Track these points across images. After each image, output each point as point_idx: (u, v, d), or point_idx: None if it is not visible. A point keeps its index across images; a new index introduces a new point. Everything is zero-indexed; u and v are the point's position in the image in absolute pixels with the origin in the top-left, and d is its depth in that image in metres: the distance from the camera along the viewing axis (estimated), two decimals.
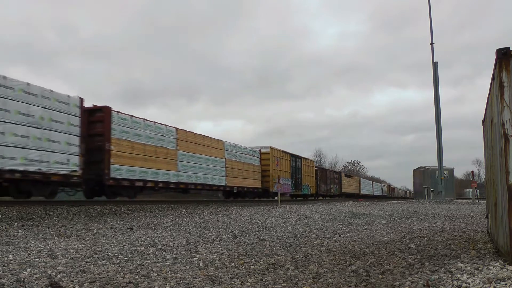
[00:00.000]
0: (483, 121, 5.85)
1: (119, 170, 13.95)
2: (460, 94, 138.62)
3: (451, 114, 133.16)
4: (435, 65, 27.56)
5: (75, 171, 12.18)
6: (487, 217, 6.36)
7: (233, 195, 22.26)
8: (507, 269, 3.24)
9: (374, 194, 62.25)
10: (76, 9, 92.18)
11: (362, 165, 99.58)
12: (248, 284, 3.37)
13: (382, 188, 74.37)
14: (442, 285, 3.08)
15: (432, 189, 34.06)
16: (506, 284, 2.89)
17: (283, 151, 27.91)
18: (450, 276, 3.31)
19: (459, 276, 3.25)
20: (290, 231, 7.16)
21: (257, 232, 6.96)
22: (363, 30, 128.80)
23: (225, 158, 20.86)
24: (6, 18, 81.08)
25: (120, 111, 14.42)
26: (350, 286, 3.31)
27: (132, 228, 7.38)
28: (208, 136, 19.71)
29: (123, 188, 14.72)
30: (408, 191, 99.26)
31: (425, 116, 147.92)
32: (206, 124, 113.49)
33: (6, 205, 10.03)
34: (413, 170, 46.79)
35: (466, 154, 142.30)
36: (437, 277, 3.33)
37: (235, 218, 9.65)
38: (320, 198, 35.33)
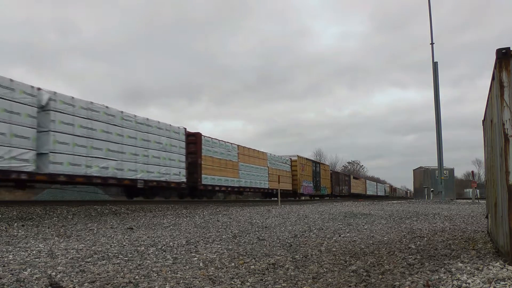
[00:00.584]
0: (483, 121, 5.85)
1: (206, 178, 19.37)
2: (460, 94, 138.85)
3: (451, 114, 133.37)
4: (435, 65, 27.56)
5: (183, 180, 17.54)
6: (487, 217, 6.36)
7: (272, 196, 27.83)
8: (507, 269, 3.24)
9: (378, 194, 65.92)
10: (78, 9, 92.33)
11: (362, 165, 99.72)
12: (248, 284, 3.37)
13: (385, 189, 77.96)
14: (442, 285, 3.08)
15: (432, 189, 34.09)
16: (506, 284, 2.89)
17: (306, 159, 33.77)
18: (450, 276, 3.31)
19: (459, 276, 3.25)
20: (290, 231, 7.16)
21: (257, 232, 6.96)
22: (364, 30, 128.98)
23: (268, 167, 26.47)
24: (7, 18, 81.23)
25: (206, 135, 19.74)
26: (350, 286, 3.31)
27: (132, 228, 7.38)
28: (256, 150, 25.51)
29: (208, 191, 20.20)
30: (408, 191, 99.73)
31: (425, 116, 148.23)
32: (207, 124, 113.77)
33: (6, 205, 10.04)
34: (413, 170, 46.82)
35: (466, 154, 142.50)
36: (437, 277, 3.33)
37: (235, 218, 9.65)
38: (333, 198, 38.71)
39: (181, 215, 10.52)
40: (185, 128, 18.06)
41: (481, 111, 5.63)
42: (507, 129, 3.27)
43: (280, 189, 25.08)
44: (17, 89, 10.67)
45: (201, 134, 19.42)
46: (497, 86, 3.40)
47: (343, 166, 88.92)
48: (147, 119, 15.63)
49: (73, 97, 12.43)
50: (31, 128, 10.95)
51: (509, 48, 3.37)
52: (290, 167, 29.93)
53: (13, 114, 10.51)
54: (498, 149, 3.61)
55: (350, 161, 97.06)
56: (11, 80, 10.61)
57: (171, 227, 7.77)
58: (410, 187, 68.19)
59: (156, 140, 15.95)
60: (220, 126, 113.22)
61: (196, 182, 18.65)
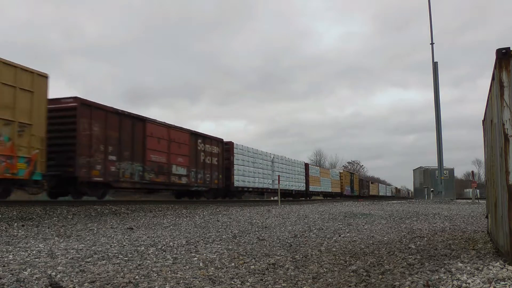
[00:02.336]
0: (483, 121, 5.85)
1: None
2: (461, 95, 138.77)
3: (452, 115, 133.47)
4: (435, 65, 27.59)
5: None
6: (487, 217, 6.36)
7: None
8: (507, 269, 3.24)
9: (387, 195, 78.81)
10: (81, 10, 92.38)
11: (362, 165, 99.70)
12: (248, 284, 3.37)
13: (391, 190, 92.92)
14: (442, 285, 3.08)
15: (432, 189, 34.07)
16: (506, 284, 2.89)
17: (347, 171, 53.73)
18: (450, 276, 3.31)
19: (459, 276, 3.25)
20: (290, 231, 7.16)
21: (257, 232, 6.96)
22: (366, 31, 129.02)
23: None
24: (11, 19, 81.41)
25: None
26: (350, 286, 3.31)
27: (132, 228, 7.38)
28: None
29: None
30: (409, 191, 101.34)
31: (426, 116, 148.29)
32: (208, 124, 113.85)
33: (6, 205, 10.03)
34: (413, 170, 46.84)
35: (466, 154, 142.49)
36: (437, 277, 3.33)
37: (235, 218, 9.65)
38: (359, 197, 47.96)
39: (181, 215, 10.52)
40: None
41: (482, 111, 5.63)
42: (507, 129, 3.27)
43: (331, 192, 40.16)
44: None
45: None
46: (497, 86, 3.40)
47: (343, 166, 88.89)
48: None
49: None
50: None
51: (509, 48, 3.37)
52: (339, 177, 44.31)
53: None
54: (498, 149, 3.61)
55: (350, 161, 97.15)
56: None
57: (171, 227, 7.77)
58: (410, 187, 72.62)
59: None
60: (222, 126, 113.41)
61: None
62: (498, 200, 3.97)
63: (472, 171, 27.96)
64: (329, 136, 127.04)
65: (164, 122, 17.33)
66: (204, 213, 11.27)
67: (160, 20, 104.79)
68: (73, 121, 12.85)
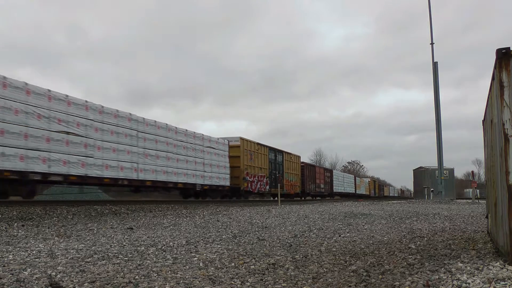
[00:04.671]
0: (483, 121, 5.85)
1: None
2: (462, 95, 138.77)
3: (453, 115, 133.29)
4: (435, 65, 27.61)
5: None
6: (487, 217, 6.36)
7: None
8: (507, 269, 3.24)
9: (394, 195, 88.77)
10: (85, 12, 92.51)
11: (362, 165, 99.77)
12: (248, 284, 3.37)
13: (397, 191, 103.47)
14: (442, 285, 3.07)
15: (432, 189, 34.07)
16: (506, 284, 2.89)
17: (371, 179, 70.00)
18: (450, 276, 3.31)
19: (459, 276, 3.25)
20: (290, 231, 7.16)
21: (257, 232, 6.96)
22: (369, 32, 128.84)
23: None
24: (15, 20, 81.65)
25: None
26: (350, 286, 3.31)
27: (132, 228, 7.38)
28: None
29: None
30: (410, 192, 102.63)
31: (427, 117, 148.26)
32: (210, 124, 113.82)
33: (6, 205, 10.03)
34: (413, 170, 46.84)
35: (466, 154, 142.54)
36: (437, 277, 3.33)
37: (235, 218, 9.65)
38: (377, 198, 56.62)
39: (181, 215, 10.51)
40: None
41: (482, 111, 5.62)
42: (507, 129, 3.27)
43: (365, 194, 52.67)
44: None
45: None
46: (497, 86, 3.40)
47: (343, 166, 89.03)
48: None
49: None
50: None
51: (509, 48, 3.37)
52: (369, 184, 60.04)
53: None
54: (498, 149, 3.61)
55: (350, 161, 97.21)
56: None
57: (171, 227, 7.76)
58: (410, 187, 74.57)
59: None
60: (224, 127, 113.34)
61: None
62: (498, 200, 3.97)
63: (472, 171, 27.99)
64: (330, 136, 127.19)
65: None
66: (204, 213, 11.27)
67: (163, 21, 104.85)
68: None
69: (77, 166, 11.97)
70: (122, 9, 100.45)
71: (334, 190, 39.79)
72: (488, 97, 4.50)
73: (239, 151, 21.86)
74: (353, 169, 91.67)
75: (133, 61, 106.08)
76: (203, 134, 19.07)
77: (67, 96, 11.95)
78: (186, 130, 17.77)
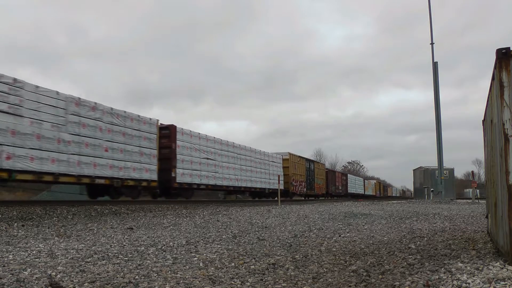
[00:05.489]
0: (483, 121, 5.85)
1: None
2: (462, 95, 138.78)
3: (454, 115, 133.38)
4: (435, 65, 27.59)
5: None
6: (487, 217, 6.36)
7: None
8: (507, 269, 3.24)
9: (396, 195, 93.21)
10: (85, 12, 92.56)
11: (362, 165, 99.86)
12: (248, 284, 3.37)
13: (399, 191, 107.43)
14: (442, 285, 3.07)
15: (432, 189, 34.06)
16: (506, 284, 2.89)
17: (377, 181, 75.98)
18: (450, 276, 3.31)
19: (459, 276, 3.25)
20: (290, 231, 7.16)
21: (257, 232, 6.96)
22: (369, 32, 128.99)
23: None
24: (16, 20, 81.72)
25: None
26: (350, 286, 3.31)
27: (132, 228, 7.38)
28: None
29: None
30: (411, 192, 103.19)
31: (428, 117, 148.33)
32: (210, 124, 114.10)
33: (6, 205, 10.03)
34: (413, 170, 46.80)
35: (466, 154, 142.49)
36: (437, 277, 3.33)
37: (235, 218, 9.65)
38: (384, 197, 61.45)
39: (181, 215, 10.52)
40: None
41: (483, 111, 5.62)
42: (507, 129, 3.27)
43: (369, 193, 56.03)
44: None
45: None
46: (497, 86, 3.40)
47: (343, 166, 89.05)
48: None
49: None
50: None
51: (509, 48, 3.36)
52: (375, 186, 65.50)
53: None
54: (498, 149, 3.61)
55: (350, 161, 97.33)
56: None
57: (171, 227, 7.76)
58: (410, 187, 75.15)
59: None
60: (224, 127, 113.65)
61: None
62: (498, 200, 3.97)
63: (472, 171, 27.96)
64: (331, 136, 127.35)
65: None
66: (204, 213, 11.27)
67: (164, 21, 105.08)
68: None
69: (209, 179, 19.45)
70: (122, 9, 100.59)
71: (349, 191, 46.73)
72: (488, 97, 4.50)
73: (288, 162, 28.63)
74: (353, 169, 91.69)
75: (133, 61, 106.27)
76: (265, 151, 25.82)
77: (214, 137, 20.39)
78: (262, 150, 25.37)
